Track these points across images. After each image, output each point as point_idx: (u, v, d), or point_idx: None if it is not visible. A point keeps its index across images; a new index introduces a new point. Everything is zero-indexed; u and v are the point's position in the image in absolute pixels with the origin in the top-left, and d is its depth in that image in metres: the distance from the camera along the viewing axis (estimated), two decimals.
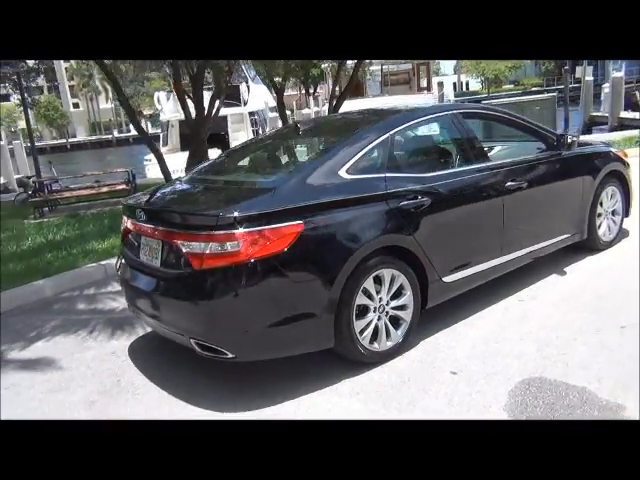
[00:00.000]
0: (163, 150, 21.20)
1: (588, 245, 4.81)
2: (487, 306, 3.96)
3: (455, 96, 50.85)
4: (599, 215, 4.81)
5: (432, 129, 4.06)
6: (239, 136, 20.70)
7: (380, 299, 3.27)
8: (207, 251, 2.83)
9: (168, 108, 20.84)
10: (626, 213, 5.12)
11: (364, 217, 3.16)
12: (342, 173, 3.20)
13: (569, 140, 4.31)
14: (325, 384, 3.13)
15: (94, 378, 3.52)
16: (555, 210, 4.38)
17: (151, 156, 20.23)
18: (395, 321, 3.39)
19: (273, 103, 27.18)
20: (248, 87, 20.07)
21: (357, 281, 3.10)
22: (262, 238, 2.82)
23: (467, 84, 68.53)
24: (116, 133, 65.64)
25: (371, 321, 3.25)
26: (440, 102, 28.77)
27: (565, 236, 4.50)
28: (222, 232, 2.81)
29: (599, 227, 4.83)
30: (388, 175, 3.36)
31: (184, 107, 9.54)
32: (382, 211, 3.23)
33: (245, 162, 3.96)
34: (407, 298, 3.39)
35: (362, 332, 3.20)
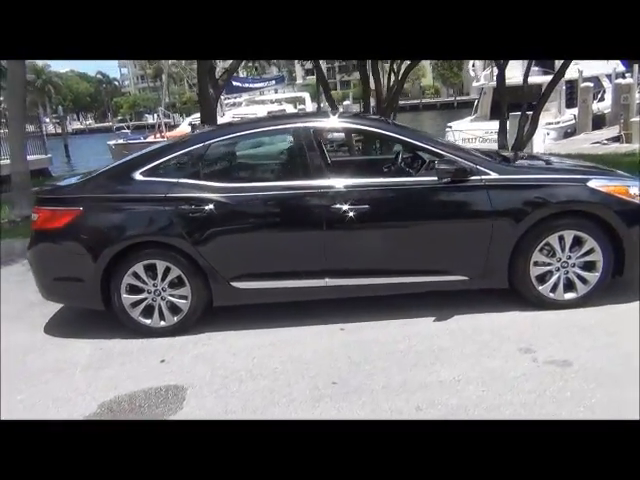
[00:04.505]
0: (470, 117, 21.37)
1: (527, 298, 3.86)
2: (304, 325, 3.91)
3: None
4: (545, 264, 3.76)
5: (279, 141, 4.03)
6: (550, 107, 19.03)
7: (155, 284, 3.87)
8: (32, 218, 4.06)
9: (484, 75, 20.61)
10: (619, 271, 3.77)
11: (135, 213, 3.80)
12: (136, 175, 3.86)
13: (439, 166, 3.59)
14: (99, 336, 4.00)
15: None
16: (427, 246, 3.76)
17: (454, 123, 20.74)
18: (174, 308, 3.92)
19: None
20: None
21: (125, 264, 3.81)
22: (48, 215, 3.88)
23: None
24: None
25: (144, 300, 3.90)
26: None
27: (455, 278, 3.81)
28: (35, 207, 4.00)
29: (540, 280, 3.78)
30: (181, 181, 3.82)
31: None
32: (156, 211, 3.78)
33: None
34: (186, 290, 3.87)
35: (134, 306, 3.90)
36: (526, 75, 9.75)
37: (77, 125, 79.44)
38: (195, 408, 3.00)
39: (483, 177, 3.69)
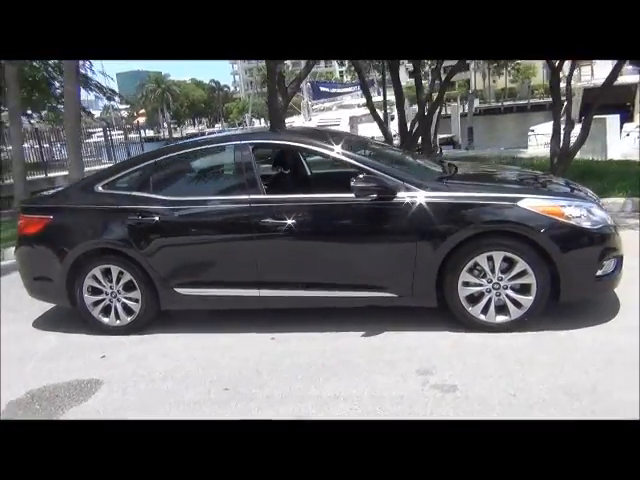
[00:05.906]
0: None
1: (458, 319, 3.77)
2: (243, 332, 4.09)
3: None
4: (475, 285, 3.65)
5: (220, 157, 4.24)
6: None
7: (111, 287, 4.25)
8: (17, 224, 4.61)
9: (574, 75, 19.39)
10: (556, 295, 3.57)
11: (94, 222, 4.19)
12: (98, 187, 4.27)
13: (355, 184, 3.59)
14: (70, 330, 4.45)
15: None
16: (354, 262, 3.78)
17: (537, 127, 19.64)
18: (128, 309, 4.27)
19: None
20: None
21: (85, 267, 4.23)
22: (28, 222, 4.39)
23: None
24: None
25: (102, 300, 4.29)
26: None
27: (384, 294, 3.79)
28: (20, 214, 4.55)
29: (472, 301, 3.67)
30: (133, 194, 4.16)
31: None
32: (110, 220, 4.15)
33: None
34: (137, 293, 4.21)
35: (95, 305, 4.31)
36: (569, 79, 9.20)
37: (191, 129, 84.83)
38: (98, 401, 3.30)
39: (409, 194, 3.65)
